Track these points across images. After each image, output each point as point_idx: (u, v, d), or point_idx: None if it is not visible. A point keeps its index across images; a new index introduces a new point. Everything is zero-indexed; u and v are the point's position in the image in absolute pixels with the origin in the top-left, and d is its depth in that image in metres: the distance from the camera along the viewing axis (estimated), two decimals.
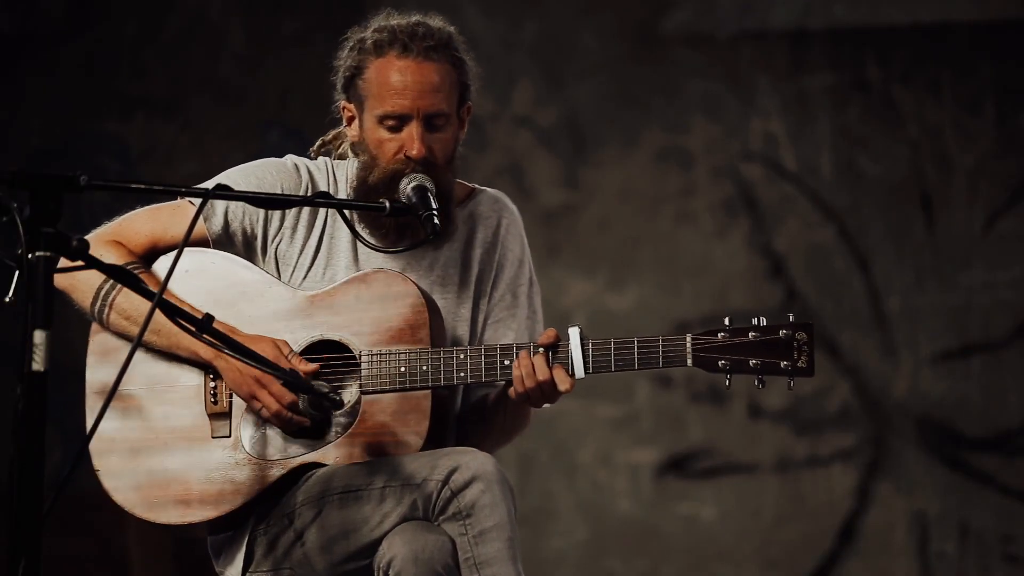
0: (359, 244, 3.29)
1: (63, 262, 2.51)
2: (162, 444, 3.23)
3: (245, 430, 3.20)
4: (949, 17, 6.33)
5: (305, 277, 3.30)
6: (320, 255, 3.31)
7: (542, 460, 6.36)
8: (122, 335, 3.25)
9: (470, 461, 3.05)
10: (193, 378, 3.24)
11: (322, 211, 3.33)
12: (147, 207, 3.31)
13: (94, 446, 3.23)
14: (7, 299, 2.62)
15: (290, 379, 3.03)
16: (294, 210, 3.31)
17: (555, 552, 6.33)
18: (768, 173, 6.40)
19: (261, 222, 3.31)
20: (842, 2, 6.37)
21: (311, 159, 3.42)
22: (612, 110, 6.41)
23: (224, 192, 2.86)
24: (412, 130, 3.22)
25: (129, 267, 3.22)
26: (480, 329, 3.36)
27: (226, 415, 3.22)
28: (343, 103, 3.32)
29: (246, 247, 3.31)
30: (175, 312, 2.78)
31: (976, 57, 6.33)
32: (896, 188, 6.37)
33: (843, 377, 6.36)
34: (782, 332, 3.12)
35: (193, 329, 2.80)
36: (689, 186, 6.41)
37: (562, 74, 6.39)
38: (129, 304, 3.22)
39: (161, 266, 3.28)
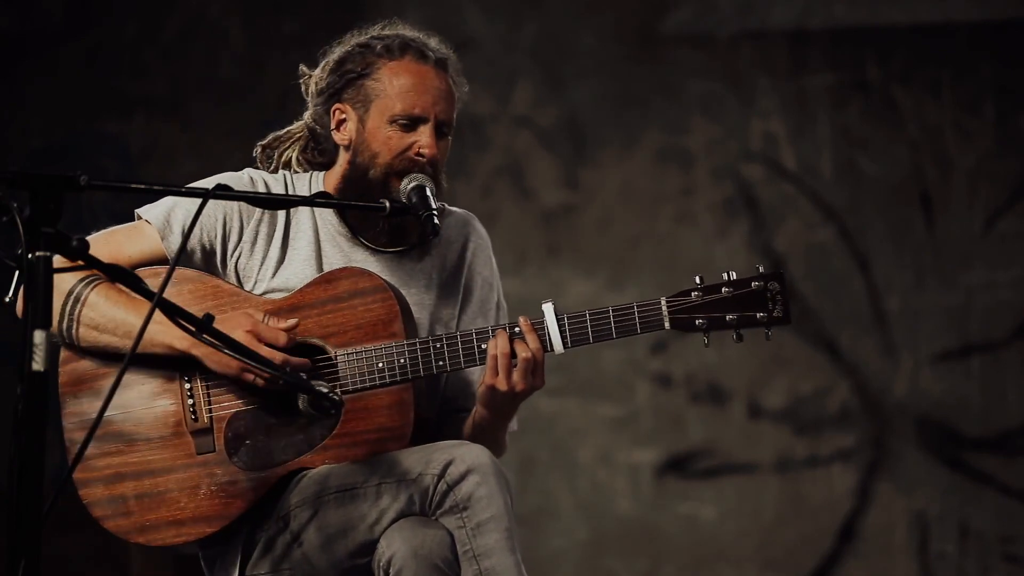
0: (322, 249, 3.29)
1: (63, 262, 2.51)
2: (147, 467, 3.20)
3: (229, 443, 3.18)
4: (949, 17, 6.33)
5: (267, 289, 3.27)
6: (284, 266, 3.29)
7: (542, 460, 6.35)
8: (94, 349, 3.21)
9: (465, 454, 3.05)
10: (169, 399, 3.21)
11: (280, 221, 3.31)
12: (104, 230, 3.28)
13: (78, 478, 3.19)
14: (7, 299, 2.62)
15: (291, 379, 3.03)
16: (252, 223, 3.30)
17: (555, 552, 6.33)
18: (768, 173, 6.40)
19: (219, 237, 3.29)
20: (842, 2, 6.37)
21: (260, 169, 3.42)
22: (612, 110, 6.40)
23: (224, 192, 2.85)
24: (426, 131, 3.26)
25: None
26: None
27: (208, 431, 3.19)
28: (336, 106, 3.32)
29: (206, 262, 3.29)
30: (174, 311, 2.77)
31: (976, 57, 6.33)
32: (896, 188, 6.37)
33: (843, 377, 6.36)
34: (754, 284, 3.14)
35: (193, 329, 2.79)
36: (689, 186, 6.41)
37: (562, 74, 6.39)
38: (97, 313, 3.18)
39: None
